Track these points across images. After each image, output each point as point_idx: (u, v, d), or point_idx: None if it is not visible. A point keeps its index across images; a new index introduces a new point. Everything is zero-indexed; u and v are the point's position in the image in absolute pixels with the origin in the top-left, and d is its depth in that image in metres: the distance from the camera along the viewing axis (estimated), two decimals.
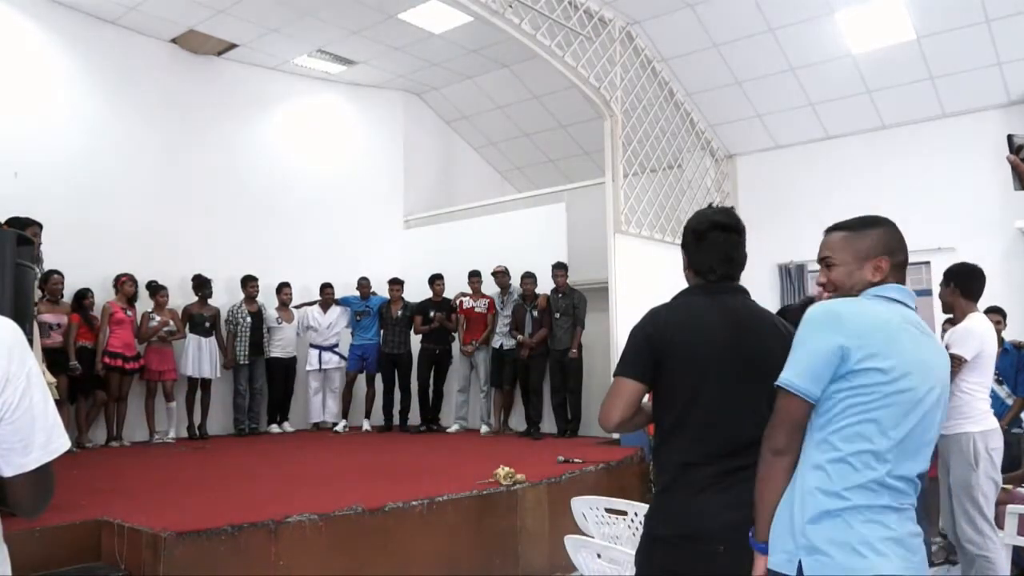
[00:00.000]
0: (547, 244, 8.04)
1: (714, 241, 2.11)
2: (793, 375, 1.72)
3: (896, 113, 7.91)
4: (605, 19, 7.60)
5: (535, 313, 7.80)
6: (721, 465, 1.95)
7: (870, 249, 1.87)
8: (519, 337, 7.82)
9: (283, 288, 8.43)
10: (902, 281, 1.86)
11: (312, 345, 8.54)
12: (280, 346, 8.33)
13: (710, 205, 2.25)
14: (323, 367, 8.51)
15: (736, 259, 2.14)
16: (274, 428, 8.32)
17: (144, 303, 7.48)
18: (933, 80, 7.43)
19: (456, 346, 8.41)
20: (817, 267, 7.56)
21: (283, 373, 8.35)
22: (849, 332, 1.68)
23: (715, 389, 1.99)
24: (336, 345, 8.61)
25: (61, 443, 1.29)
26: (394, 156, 10.14)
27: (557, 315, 7.62)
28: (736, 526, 1.87)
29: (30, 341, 1.87)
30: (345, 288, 8.75)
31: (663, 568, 2.00)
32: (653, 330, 2.04)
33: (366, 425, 8.56)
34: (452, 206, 9.82)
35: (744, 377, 2.00)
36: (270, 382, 8.33)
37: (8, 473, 1.22)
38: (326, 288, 8.59)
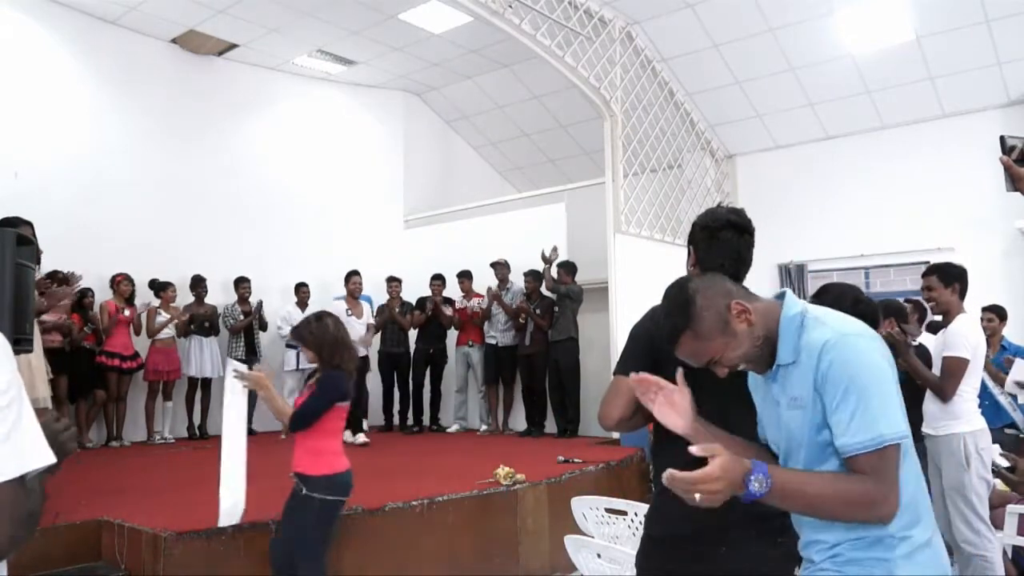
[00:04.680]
0: (547, 244, 8.03)
1: (727, 240, 2.09)
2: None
3: (896, 113, 7.91)
4: (605, 19, 7.60)
5: (539, 311, 7.78)
6: None
7: None
8: (520, 304, 7.84)
9: (300, 288, 8.39)
10: None
11: (289, 345, 8.38)
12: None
13: (719, 204, 2.24)
14: (300, 367, 8.37)
15: (747, 259, 2.13)
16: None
17: (144, 301, 7.48)
18: (933, 80, 7.43)
19: (451, 344, 8.41)
20: (817, 267, 7.57)
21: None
22: None
23: (715, 391, 1.99)
24: None
25: (42, 456, 1.13)
26: (394, 156, 10.14)
27: (556, 308, 7.65)
28: (735, 527, 1.87)
29: (30, 342, 1.86)
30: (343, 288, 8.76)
31: (662, 569, 1.99)
32: (654, 328, 2.01)
33: (363, 425, 8.58)
34: (452, 206, 9.82)
35: (746, 380, 1.99)
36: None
37: None
38: (301, 288, 8.49)
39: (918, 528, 1.51)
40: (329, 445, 3.35)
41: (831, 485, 1.45)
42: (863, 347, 1.48)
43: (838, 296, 2.59)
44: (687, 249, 2.21)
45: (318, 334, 3.40)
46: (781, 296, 1.61)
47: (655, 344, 2.00)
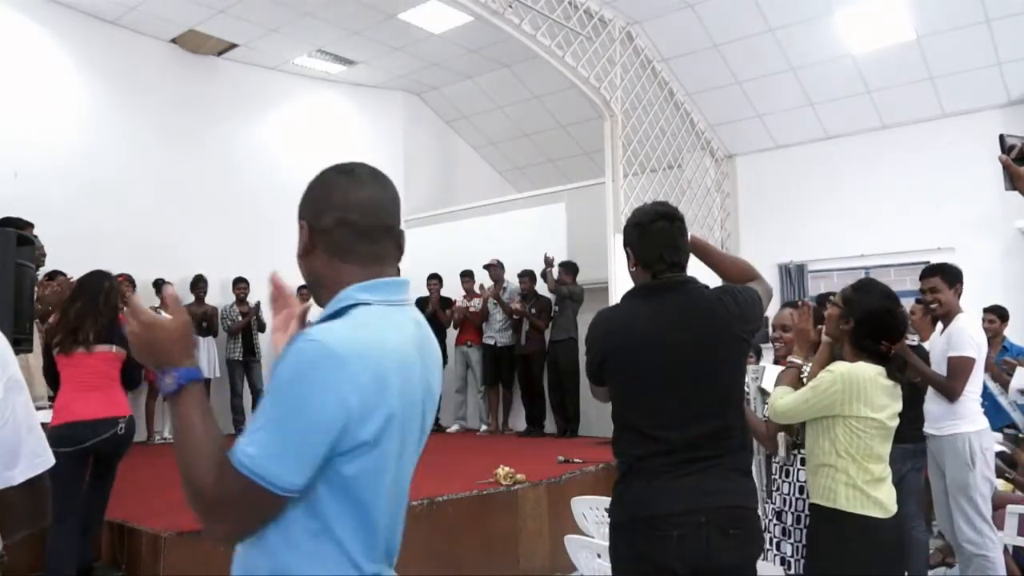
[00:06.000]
0: (547, 244, 8.03)
1: (660, 230, 2.12)
2: None
3: (896, 113, 7.91)
4: (605, 19, 7.59)
5: (536, 310, 7.79)
6: (674, 457, 1.98)
7: None
8: (515, 306, 7.83)
9: (301, 290, 8.46)
10: None
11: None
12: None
13: (644, 204, 2.29)
14: None
15: (682, 247, 2.14)
16: None
17: (145, 302, 7.48)
18: (933, 80, 7.43)
19: (450, 345, 8.41)
20: (817, 267, 7.57)
21: None
22: None
23: (657, 392, 2.03)
24: None
25: (47, 457, 1.24)
26: (394, 156, 10.11)
27: (555, 307, 7.67)
28: (689, 513, 1.92)
29: (30, 342, 1.86)
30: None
31: (628, 554, 2.03)
32: (599, 334, 2.16)
33: None
34: (452, 206, 9.81)
35: (688, 378, 2.02)
36: None
37: None
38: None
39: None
40: (60, 398, 3.55)
41: (218, 444, 1.18)
42: (330, 369, 1.10)
43: (870, 291, 2.56)
44: (625, 253, 2.21)
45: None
46: (386, 281, 1.31)
47: (599, 349, 2.13)
